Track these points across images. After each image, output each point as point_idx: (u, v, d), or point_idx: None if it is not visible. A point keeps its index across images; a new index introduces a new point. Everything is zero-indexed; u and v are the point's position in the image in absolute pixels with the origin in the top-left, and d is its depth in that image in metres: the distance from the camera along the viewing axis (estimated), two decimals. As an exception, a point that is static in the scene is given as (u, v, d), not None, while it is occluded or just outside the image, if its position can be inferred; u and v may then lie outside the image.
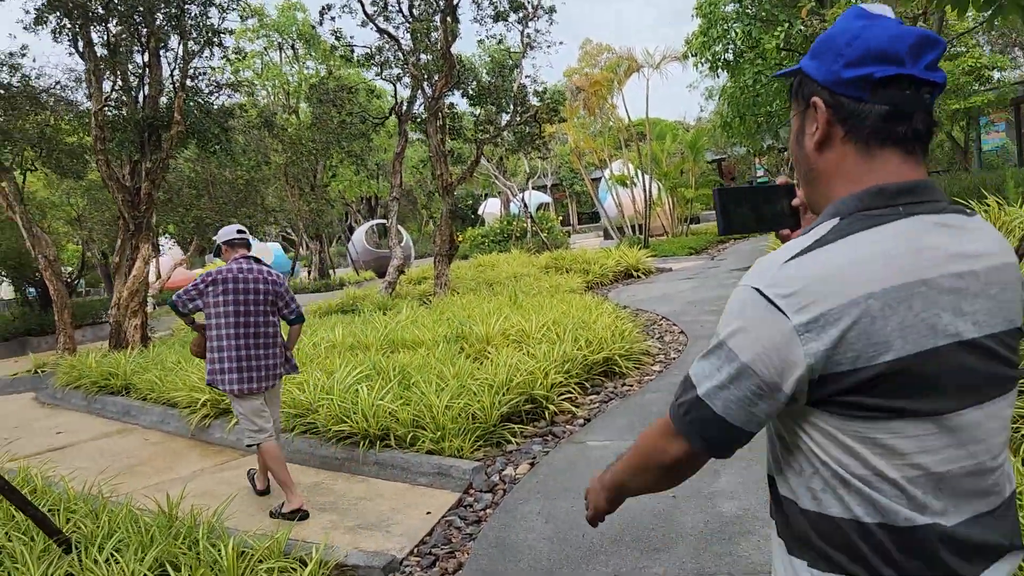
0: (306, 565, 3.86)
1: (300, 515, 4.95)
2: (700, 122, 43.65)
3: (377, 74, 16.07)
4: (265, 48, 24.73)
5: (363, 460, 5.86)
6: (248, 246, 5.32)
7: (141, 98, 12.00)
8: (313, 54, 24.58)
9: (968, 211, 1.20)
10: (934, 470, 1.11)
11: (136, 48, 11.67)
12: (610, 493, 1.47)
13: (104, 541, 3.99)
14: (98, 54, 11.28)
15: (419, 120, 15.27)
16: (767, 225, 1.43)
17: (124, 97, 11.85)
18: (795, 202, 1.42)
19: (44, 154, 13.07)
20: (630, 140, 24.87)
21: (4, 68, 13.92)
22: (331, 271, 25.95)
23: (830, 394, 1.10)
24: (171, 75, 12.02)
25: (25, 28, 12.22)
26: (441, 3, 13.58)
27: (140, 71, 12.09)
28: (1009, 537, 1.19)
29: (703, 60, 17.33)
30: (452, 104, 15.14)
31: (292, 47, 24.03)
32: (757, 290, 1.11)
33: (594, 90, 21.87)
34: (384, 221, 37.95)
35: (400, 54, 14.38)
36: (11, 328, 17.11)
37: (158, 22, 11.61)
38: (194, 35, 12.70)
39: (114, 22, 11.50)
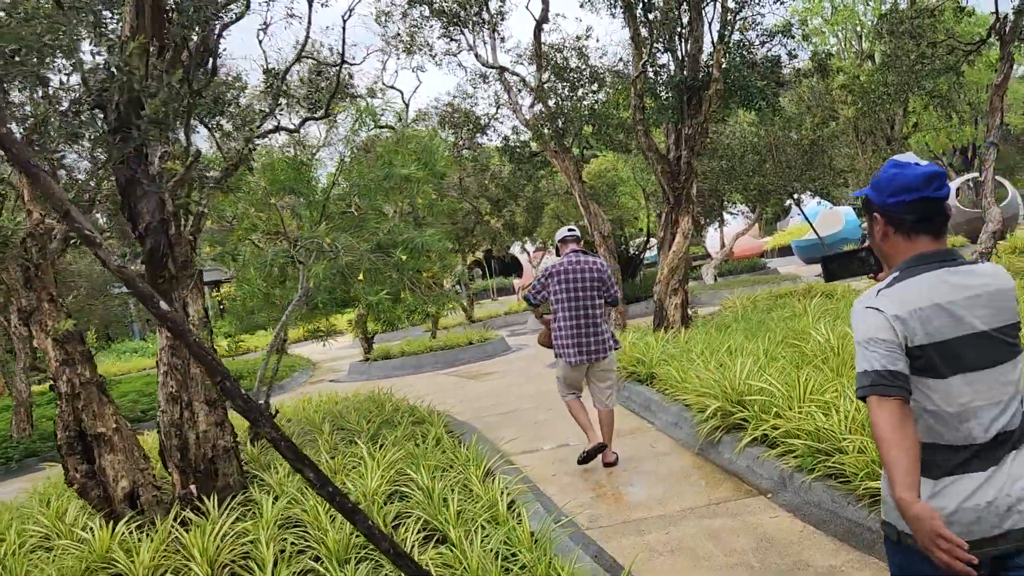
0: None
1: (597, 449, 6.15)
2: None
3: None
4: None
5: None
6: (578, 240, 6.40)
7: (679, 60, 11.11)
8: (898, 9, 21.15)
9: (974, 262, 2.12)
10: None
11: (675, 3, 10.75)
12: (903, 502, 1.83)
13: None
14: (637, 17, 10.68)
15: (1030, 37, 11.46)
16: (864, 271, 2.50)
17: (662, 60, 11.11)
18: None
19: (597, 130, 13.19)
20: None
21: (572, 52, 14.52)
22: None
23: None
24: (708, 28, 10.84)
25: (580, 6, 12.39)
26: None
27: (681, 30, 11.19)
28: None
29: None
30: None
31: (866, -19, 21.01)
32: (867, 307, 2.05)
33: None
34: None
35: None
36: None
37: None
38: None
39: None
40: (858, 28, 21.46)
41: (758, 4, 12.22)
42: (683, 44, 11.03)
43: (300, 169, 7.88)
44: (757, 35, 12.45)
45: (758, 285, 17.66)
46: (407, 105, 16.23)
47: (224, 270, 8.69)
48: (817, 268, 24.35)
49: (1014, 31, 11.92)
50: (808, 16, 23.58)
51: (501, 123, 15.49)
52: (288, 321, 8.11)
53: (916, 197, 2.04)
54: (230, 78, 8.27)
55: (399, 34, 14.38)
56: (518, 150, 14.96)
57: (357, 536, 4.31)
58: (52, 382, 5.72)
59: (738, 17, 11.98)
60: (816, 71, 11.89)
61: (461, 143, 15.62)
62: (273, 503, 5.10)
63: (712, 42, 10.61)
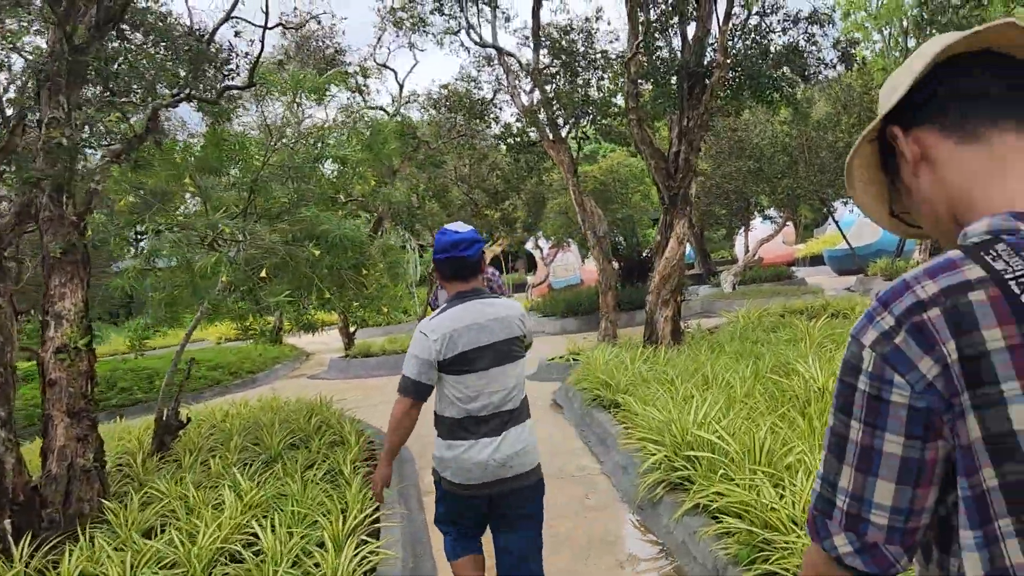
0: None
1: None
2: None
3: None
4: (881, -20, 20.44)
5: None
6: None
7: (683, 42, 9.84)
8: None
9: (497, 297, 3.01)
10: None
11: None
12: (385, 461, 3.15)
13: None
14: (634, -7, 9.45)
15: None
16: None
17: (665, 42, 9.85)
18: None
19: (593, 120, 11.96)
20: None
21: (579, 35, 13.30)
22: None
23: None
24: (715, 8, 9.55)
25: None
26: None
27: (687, 8, 9.92)
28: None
29: None
30: None
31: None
32: (420, 331, 2.97)
33: None
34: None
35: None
36: (588, 301, 17.02)
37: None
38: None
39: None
40: (905, 23, 19.82)
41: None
42: (686, 25, 9.76)
43: (221, 145, 6.83)
44: (779, 20, 11.13)
45: (776, 296, 16.27)
46: (401, 86, 15.15)
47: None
48: (848, 280, 22.92)
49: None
50: (852, 10, 21.98)
51: (501, 110, 14.28)
52: (197, 323, 7.13)
53: (447, 256, 2.96)
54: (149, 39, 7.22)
55: (392, 8, 13.29)
56: (516, 138, 13.76)
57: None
58: None
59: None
60: (841, 60, 10.51)
61: (459, 129, 14.47)
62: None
63: (717, 20, 9.32)
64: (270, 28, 6.51)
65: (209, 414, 8.75)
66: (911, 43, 20.93)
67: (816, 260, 29.33)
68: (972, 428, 0.83)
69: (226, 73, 6.85)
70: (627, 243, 17.90)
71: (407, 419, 2.96)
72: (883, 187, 1.16)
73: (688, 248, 28.67)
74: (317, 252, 6.08)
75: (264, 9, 6.34)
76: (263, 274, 6.09)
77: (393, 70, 13.86)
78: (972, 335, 0.83)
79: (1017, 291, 0.83)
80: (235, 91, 7.67)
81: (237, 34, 6.67)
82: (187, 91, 6.36)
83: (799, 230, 37.04)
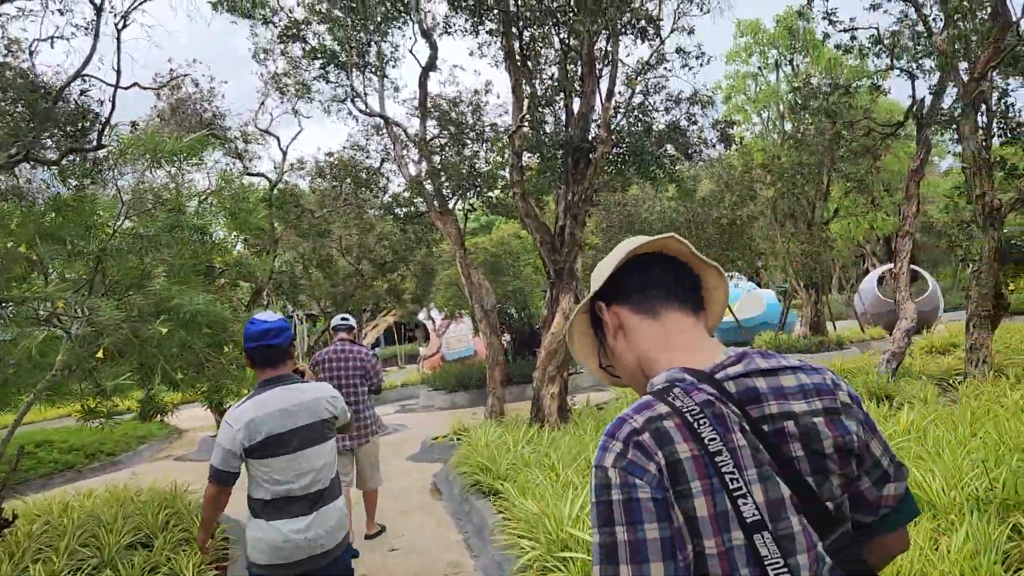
0: None
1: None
2: None
3: (888, 66, 11.84)
4: (760, 68, 21.58)
5: None
6: (349, 330, 6.71)
7: (568, 117, 9.85)
8: (816, 69, 20.74)
9: (305, 381, 3.29)
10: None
11: (559, 52, 9.55)
12: (202, 538, 3.47)
13: None
14: (519, 65, 9.42)
15: (946, 119, 10.56)
16: None
17: (548, 113, 9.83)
18: None
19: (479, 192, 11.81)
20: None
21: (468, 107, 13.25)
22: (831, 324, 21.48)
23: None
24: (598, 86, 9.62)
25: (470, 54, 11.09)
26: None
27: (569, 84, 9.95)
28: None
29: None
30: (1003, 89, 10.15)
31: (790, 62, 20.46)
32: (225, 421, 3.17)
33: None
34: (913, 267, 31.37)
35: (923, 25, 10.06)
36: (479, 374, 16.62)
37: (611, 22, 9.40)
38: (650, 35, 10.27)
39: (539, 27, 9.54)
40: (781, 107, 20.89)
41: (664, 67, 11.16)
42: (571, 100, 9.79)
43: (63, 210, 6.21)
44: (661, 100, 11.37)
45: (666, 370, 16.30)
46: (284, 152, 14.66)
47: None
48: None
49: (931, 115, 11.07)
50: (732, 93, 23.03)
51: (389, 180, 13.93)
52: (28, 407, 6.36)
53: (256, 345, 3.15)
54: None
55: (276, 74, 12.92)
56: (404, 208, 13.46)
57: None
58: None
59: (640, 78, 10.88)
60: (720, 140, 10.77)
61: (345, 198, 14.05)
62: None
63: (600, 98, 9.37)
64: (124, 88, 6.01)
65: (46, 507, 7.80)
66: (787, 126, 22.04)
67: (704, 332, 29.90)
68: (677, 513, 1.12)
69: (72, 134, 6.26)
70: (519, 315, 17.71)
71: (215, 502, 3.17)
72: (594, 346, 1.51)
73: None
74: (165, 329, 5.51)
75: (116, 68, 5.86)
76: (99, 354, 5.46)
77: (276, 136, 13.38)
78: (671, 448, 1.14)
79: (691, 420, 1.17)
80: (88, 153, 7.06)
81: (83, 92, 5.97)
82: (24, 152, 5.76)
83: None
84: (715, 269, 1.45)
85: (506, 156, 9.97)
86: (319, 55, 11.78)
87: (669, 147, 10.88)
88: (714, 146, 10.82)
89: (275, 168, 13.68)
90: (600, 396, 13.64)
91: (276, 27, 11.99)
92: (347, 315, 6.93)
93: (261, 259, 8.97)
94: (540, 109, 9.97)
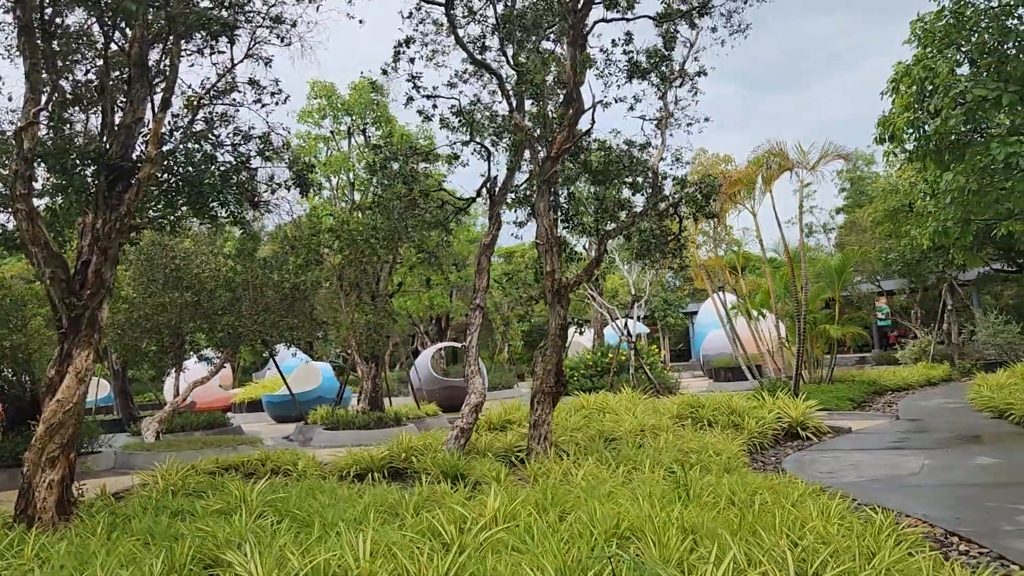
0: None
1: None
2: (815, 250, 39.02)
3: (464, 142, 11.82)
4: (332, 133, 21.04)
5: None
6: None
7: (101, 124, 7.75)
8: (390, 143, 20.82)
9: None
10: None
11: (102, 44, 7.53)
12: None
13: None
14: (40, 46, 7.12)
15: (520, 198, 10.71)
16: None
17: (78, 113, 7.65)
18: None
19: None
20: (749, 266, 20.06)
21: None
22: (388, 400, 21.17)
23: None
24: (150, 91, 7.75)
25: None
26: (568, 23, 9.24)
27: (111, 85, 7.89)
28: None
29: (902, 145, 12.63)
30: (571, 179, 10.61)
31: (363, 131, 20.26)
32: None
33: (731, 191, 17.27)
34: (456, 344, 33.12)
35: (506, 102, 10.08)
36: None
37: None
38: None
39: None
40: (351, 176, 20.51)
41: (231, 100, 9.61)
42: (112, 105, 7.74)
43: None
44: (228, 134, 9.76)
45: (209, 448, 14.09)
46: None
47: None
48: (288, 428, 21.72)
49: (503, 191, 11.21)
50: (303, 154, 22.09)
51: None
52: None
53: None
54: None
55: None
56: None
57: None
58: None
59: (207, 102, 9.19)
60: (296, 184, 9.50)
61: None
62: None
63: (152, 108, 7.51)
64: None
65: None
66: (356, 196, 21.71)
67: (254, 405, 27.80)
68: None
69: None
70: (17, 379, 14.02)
71: None
72: None
73: (107, 388, 24.78)
74: None
75: None
76: None
77: None
78: None
79: None
80: None
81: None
82: None
83: (237, 373, 35.39)
84: None
85: (9, 161, 7.44)
86: None
87: (235, 188, 9.28)
88: (289, 188, 9.49)
89: None
90: (123, 481, 11.00)
91: None
92: None
93: None
94: (70, 108, 7.70)
